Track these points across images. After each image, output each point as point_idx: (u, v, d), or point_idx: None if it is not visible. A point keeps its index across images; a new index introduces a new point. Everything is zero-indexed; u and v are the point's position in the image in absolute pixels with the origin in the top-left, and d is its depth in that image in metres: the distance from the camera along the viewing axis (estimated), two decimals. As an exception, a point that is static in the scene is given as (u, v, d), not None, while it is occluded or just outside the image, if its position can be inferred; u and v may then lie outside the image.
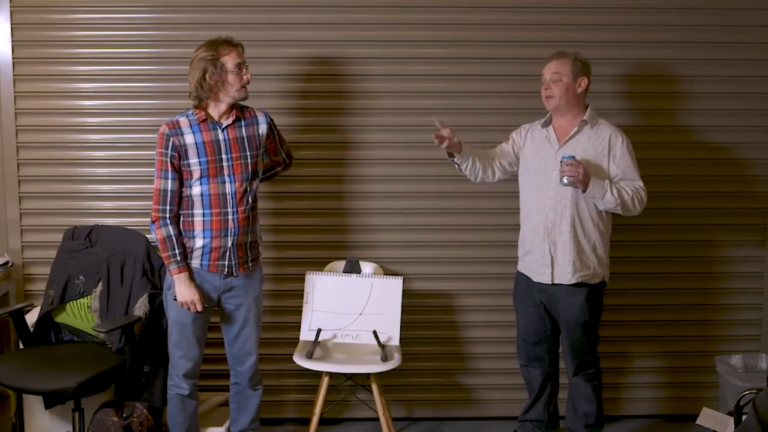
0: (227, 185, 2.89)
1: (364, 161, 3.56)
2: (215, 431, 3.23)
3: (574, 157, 2.84)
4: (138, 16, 3.47)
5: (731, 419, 2.90)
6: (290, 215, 3.58)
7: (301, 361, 3.15)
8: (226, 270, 2.92)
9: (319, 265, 3.46)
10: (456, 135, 2.95)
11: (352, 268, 3.43)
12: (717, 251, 3.66)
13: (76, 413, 2.96)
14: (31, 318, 3.25)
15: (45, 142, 3.51)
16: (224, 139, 2.89)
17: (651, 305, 3.66)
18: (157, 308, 3.16)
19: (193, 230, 2.90)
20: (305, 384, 3.60)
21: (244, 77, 2.85)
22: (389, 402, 3.54)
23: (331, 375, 3.19)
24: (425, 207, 3.58)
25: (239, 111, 2.95)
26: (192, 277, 2.90)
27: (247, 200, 2.93)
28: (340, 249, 3.57)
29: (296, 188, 3.55)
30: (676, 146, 3.58)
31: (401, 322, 3.25)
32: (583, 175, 2.82)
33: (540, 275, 3.03)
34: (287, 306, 3.56)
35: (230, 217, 2.89)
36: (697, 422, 3.17)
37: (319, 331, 3.22)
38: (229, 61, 2.83)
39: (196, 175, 2.87)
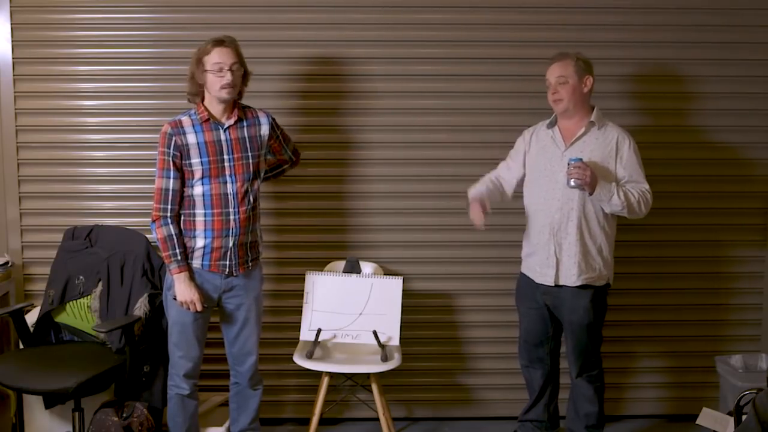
0: (229, 185, 2.89)
1: (364, 161, 3.56)
2: (215, 431, 3.23)
3: (581, 160, 2.83)
4: (138, 16, 3.47)
5: (731, 419, 2.90)
6: (290, 215, 3.58)
7: (301, 361, 3.15)
8: (227, 270, 2.93)
9: (319, 265, 3.46)
10: (484, 199, 3.01)
11: (352, 268, 3.43)
12: (717, 251, 3.66)
13: (76, 413, 2.96)
14: (31, 318, 3.25)
15: (45, 142, 3.51)
16: (226, 140, 2.89)
17: (651, 305, 3.66)
18: (157, 308, 3.16)
19: (195, 230, 2.90)
20: (305, 384, 3.60)
21: (222, 79, 2.82)
22: (389, 402, 3.54)
23: (331, 375, 3.19)
24: (425, 207, 3.58)
25: (241, 111, 2.95)
26: (192, 277, 2.90)
27: (249, 200, 2.93)
28: (340, 249, 3.57)
29: (296, 188, 3.55)
30: (676, 146, 3.58)
31: (401, 322, 3.25)
32: (591, 178, 2.81)
33: (543, 276, 3.02)
34: (287, 306, 3.56)
35: (231, 217, 2.89)
36: (697, 422, 3.17)
37: (319, 331, 3.22)
38: (209, 61, 2.83)
39: (198, 174, 2.87)
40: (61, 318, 3.25)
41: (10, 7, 3.43)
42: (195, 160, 2.86)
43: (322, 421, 3.36)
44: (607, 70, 3.46)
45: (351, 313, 3.26)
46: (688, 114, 3.58)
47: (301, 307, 3.29)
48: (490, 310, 3.62)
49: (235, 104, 2.94)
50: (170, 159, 2.86)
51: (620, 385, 3.66)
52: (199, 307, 2.88)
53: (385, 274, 3.40)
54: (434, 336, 3.64)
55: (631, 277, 3.58)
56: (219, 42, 2.84)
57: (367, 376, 3.36)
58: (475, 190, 3.09)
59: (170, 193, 2.88)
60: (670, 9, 3.52)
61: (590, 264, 2.96)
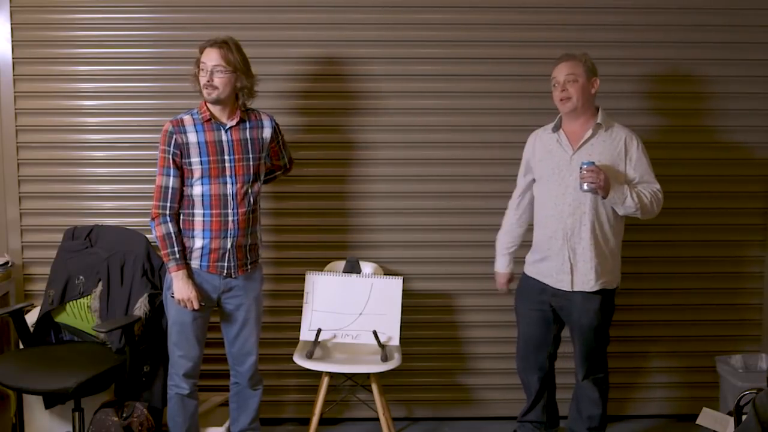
0: (228, 186, 2.89)
1: (364, 161, 3.55)
2: (215, 431, 3.23)
3: (594, 164, 2.79)
4: (138, 16, 3.47)
5: (731, 419, 2.90)
6: (290, 215, 3.58)
7: (301, 361, 3.15)
8: (225, 271, 2.93)
9: (319, 265, 3.46)
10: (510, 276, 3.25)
11: (352, 268, 3.43)
12: (717, 251, 3.66)
13: (76, 413, 2.96)
14: (31, 318, 3.25)
15: (45, 142, 3.51)
16: (227, 140, 2.89)
17: (650, 305, 3.66)
18: (157, 308, 3.16)
19: (193, 230, 2.90)
20: (305, 384, 3.60)
21: (203, 79, 2.83)
22: (389, 402, 3.54)
23: (331, 375, 3.19)
24: (425, 207, 3.58)
25: (244, 113, 2.95)
26: (190, 275, 2.90)
27: (248, 202, 2.93)
28: (340, 249, 3.57)
29: (296, 188, 3.55)
30: (675, 146, 3.58)
31: (401, 322, 3.25)
32: (605, 182, 2.78)
33: (559, 282, 2.98)
34: (287, 306, 3.56)
35: (230, 218, 2.89)
36: (697, 422, 3.17)
37: (319, 331, 3.22)
38: (200, 61, 2.87)
39: (197, 174, 2.87)
40: (61, 318, 3.26)
41: (10, 7, 3.43)
42: (195, 159, 2.86)
43: (322, 421, 3.36)
44: (606, 70, 3.45)
45: (351, 313, 3.26)
46: (688, 114, 3.58)
47: (301, 307, 3.29)
48: (490, 310, 3.62)
49: (238, 106, 2.94)
50: (170, 157, 2.86)
51: (620, 385, 3.65)
52: (196, 305, 2.88)
53: (385, 274, 3.40)
54: (434, 336, 3.64)
55: (630, 277, 3.57)
56: (211, 43, 2.86)
57: (367, 376, 3.36)
58: (503, 265, 3.24)
59: (170, 191, 2.88)
60: (671, 9, 3.52)
61: (606, 267, 2.94)
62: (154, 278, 3.23)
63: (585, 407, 3.11)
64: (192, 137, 2.86)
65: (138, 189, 3.52)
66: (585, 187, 2.80)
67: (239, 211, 2.90)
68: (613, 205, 2.88)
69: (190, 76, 2.92)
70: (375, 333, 3.21)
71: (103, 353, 3.08)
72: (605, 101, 3.31)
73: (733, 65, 3.55)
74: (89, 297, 3.21)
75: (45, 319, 3.25)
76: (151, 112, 3.49)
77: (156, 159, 2.91)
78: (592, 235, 2.90)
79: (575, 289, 2.95)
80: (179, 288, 2.87)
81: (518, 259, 3.24)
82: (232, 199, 2.89)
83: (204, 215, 2.88)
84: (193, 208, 2.90)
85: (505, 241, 3.23)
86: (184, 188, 2.90)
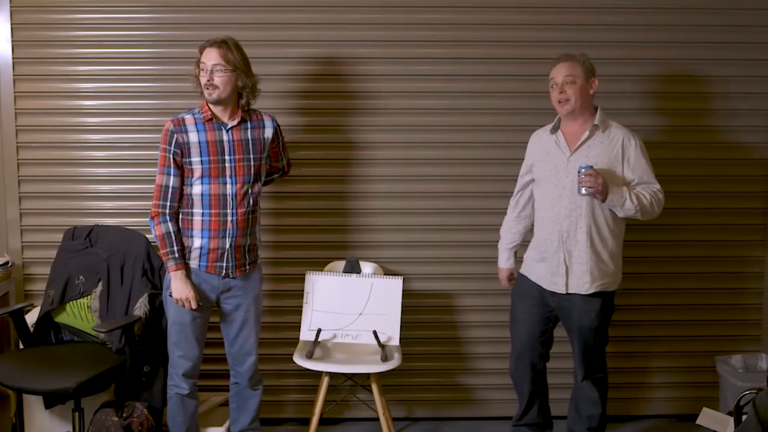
0: (228, 186, 2.89)
1: (364, 161, 3.55)
2: (215, 431, 3.23)
3: (592, 167, 2.78)
4: (138, 16, 3.47)
5: (731, 419, 2.90)
6: (290, 215, 3.58)
7: (301, 361, 3.15)
8: (224, 272, 2.93)
9: (319, 265, 3.46)
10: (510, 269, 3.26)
11: (352, 268, 3.43)
12: (717, 251, 3.66)
13: (76, 413, 2.96)
14: (31, 318, 3.25)
15: (45, 142, 3.51)
16: (228, 140, 2.89)
17: (650, 305, 3.66)
18: (157, 308, 3.16)
19: (192, 229, 2.90)
20: (305, 384, 3.60)
21: (203, 79, 2.84)
22: (389, 402, 3.54)
23: (331, 375, 3.19)
24: (425, 207, 3.58)
25: (246, 113, 2.95)
26: (189, 275, 2.90)
27: (248, 202, 2.93)
28: (340, 249, 3.57)
29: (296, 188, 3.55)
30: (675, 146, 3.58)
31: (401, 322, 3.25)
32: (603, 186, 2.77)
33: (553, 285, 2.97)
34: (287, 306, 3.56)
35: (229, 218, 2.89)
36: (697, 422, 3.17)
37: (319, 331, 3.22)
38: (200, 60, 2.87)
39: (197, 174, 2.87)
40: (61, 318, 3.26)
41: (10, 7, 3.43)
42: (195, 159, 2.86)
43: (322, 421, 3.36)
44: (606, 70, 3.46)
45: (351, 313, 3.26)
46: (688, 114, 3.58)
47: (301, 307, 3.29)
48: (490, 310, 3.62)
49: (240, 106, 2.94)
50: (171, 156, 2.86)
51: (620, 385, 3.65)
52: (194, 305, 2.88)
53: (385, 274, 3.40)
54: (434, 336, 3.64)
55: (630, 277, 3.57)
56: (211, 43, 2.86)
57: (367, 376, 3.36)
58: (504, 261, 3.25)
59: (170, 190, 2.88)
60: (671, 9, 3.52)
61: (603, 270, 2.92)
62: (154, 278, 3.23)
63: (584, 407, 3.10)
64: (193, 137, 2.86)
65: (138, 189, 3.52)
66: (583, 191, 2.79)
67: (239, 211, 2.90)
68: (613, 208, 2.87)
69: (191, 77, 2.92)
70: (375, 333, 3.21)
71: (103, 353, 3.08)
72: (606, 101, 3.31)
73: (733, 65, 3.55)
74: (89, 297, 3.21)
75: (45, 319, 3.25)
76: (151, 112, 3.49)
77: (156, 159, 2.91)
78: (588, 238, 2.89)
79: (570, 292, 2.94)
80: (177, 287, 2.87)
81: (517, 260, 3.24)
82: (232, 200, 2.89)
83: (203, 215, 2.88)
84: (192, 207, 2.90)
85: (505, 237, 3.24)
86: (184, 187, 2.90)
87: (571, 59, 2.93)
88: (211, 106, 2.89)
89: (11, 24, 3.44)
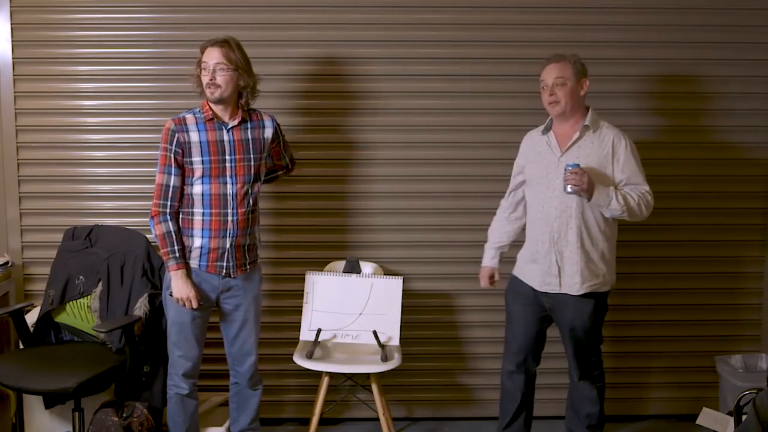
0: (228, 186, 2.89)
1: (364, 161, 3.56)
2: (215, 431, 3.23)
3: (578, 165, 2.78)
4: (138, 16, 3.47)
5: (731, 419, 2.90)
6: (290, 215, 3.58)
7: (301, 361, 3.15)
8: (224, 271, 2.93)
9: (319, 265, 3.46)
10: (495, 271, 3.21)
11: (352, 268, 3.43)
12: (717, 251, 3.66)
13: (76, 413, 2.96)
14: (31, 318, 3.25)
15: (45, 142, 3.51)
16: (229, 140, 2.90)
17: (650, 305, 3.66)
18: (157, 308, 3.16)
19: (192, 229, 2.90)
20: (305, 384, 3.60)
21: (206, 78, 2.84)
22: (389, 402, 3.54)
23: (331, 375, 3.19)
24: (425, 207, 3.58)
25: (246, 113, 2.95)
26: (189, 275, 2.90)
27: (248, 202, 2.93)
28: (340, 249, 3.57)
29: (296, 188, 3.55)
30: (675, 146, 3.58)
31: (401, 322, 3.25)
32: (588, 184, 2.76)
33: (545, 285, 2.96)
34: (287, 306, 3.56)
35: (230, 218, 2.89)
36: (697, 422, 3.18)
37: (319, 331, 3.22)
38: (201, 60, 2.87)
39: (198, 173, 2.87)
40: (61, 318, 3.26)
41: (10, 7, 3.43)
42: (196, 159, 2.86)
43: (322, 421, 3.36)
44: (606, 70, 3.47)
45: (351, 313, 3.26)
46: (687, 114, 3.58)
47: (301, 307, 3.29)
48: (490, 310, 3.62)
49: (240, 105, 2.94)
50: (172, 155, 2.86)
51: (620, 386, 3.66)
52: (194, 305, 2.88)
53: (385, 274, 3.40)
54: (434, 336, 3.64)
55: (630, 277, 3.58)
56: (212, 42, 2.86)
57: (367, 376, 3.36)
58: (487, 259, 3.22)
59: (170, 189, 2.88)
60: (671, 9, 3.52)
61: (593, 271, 2.91)
62: (154, 278, 3.23)
63: (582, 406, 3.09)
64: (194, 136, 2.86)
65: (138, 189, 3.52)
66: (569, 189, 2.78)
67: (239, 211, 2.90)
68: (599, 208, 2.85)
69: (192, 77, 2.92)
70: (375, 333, 3.21)
71: (103, 353, 3.08)
72: (605, 101, 3.32)
73: (733, 65, 3.55)
74: (89, 297, 3.21)
75: (45, 319, 3.25)
76: (151, 112, 3.49)
77: (156, 159, 2.91)
78: (579, 239, 2.88)
79: (563, 291, 2.94)
80: (178, 287, 2.87)
81: (509, 259, 3.20)
82: (232, 199, 2.90)
83: (203, 214, 2.88)
84: (192, 207, 2.90)
85: (492, 236, 3.23)
86: (185, 187, 2.90)
87: (561, 60, 2.91)
88: (212, 105, 2.89)
89: (11, 24, 3.44)
